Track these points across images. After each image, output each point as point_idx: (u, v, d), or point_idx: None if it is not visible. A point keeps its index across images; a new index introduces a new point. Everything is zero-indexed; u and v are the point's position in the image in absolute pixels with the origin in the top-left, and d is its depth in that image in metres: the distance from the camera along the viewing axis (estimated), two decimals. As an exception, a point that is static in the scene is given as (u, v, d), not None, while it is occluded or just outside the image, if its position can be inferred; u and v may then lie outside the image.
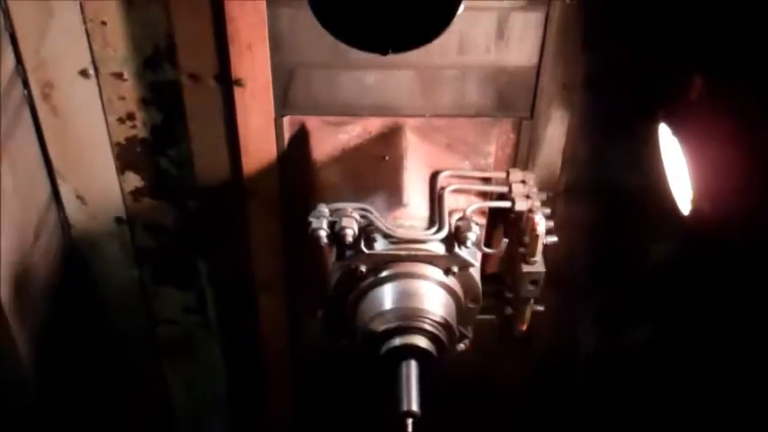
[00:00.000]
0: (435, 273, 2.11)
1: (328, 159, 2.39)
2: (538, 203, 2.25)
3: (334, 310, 2.21)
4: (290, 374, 3.12)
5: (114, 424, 3.22)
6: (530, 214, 2.21)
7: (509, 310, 2.48)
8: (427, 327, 2.04)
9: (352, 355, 2.21)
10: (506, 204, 2.26)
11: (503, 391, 3.25)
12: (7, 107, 2.30)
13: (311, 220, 2.07)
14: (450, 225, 2.10)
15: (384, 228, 2.07)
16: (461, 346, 2.30)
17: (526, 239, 2.23)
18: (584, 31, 2.32)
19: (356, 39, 1.76)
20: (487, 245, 2.31)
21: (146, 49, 2.38)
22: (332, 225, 2.06)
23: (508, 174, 2.35)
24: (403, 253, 2.09)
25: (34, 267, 2.49)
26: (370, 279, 2.10)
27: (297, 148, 2.47)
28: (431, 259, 2.10)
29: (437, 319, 2.06)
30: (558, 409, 3.33)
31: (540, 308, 2.41)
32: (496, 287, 2.49)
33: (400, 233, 2.08)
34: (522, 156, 2.54)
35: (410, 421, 1.94)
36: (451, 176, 2.30)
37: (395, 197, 2.18)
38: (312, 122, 2.46)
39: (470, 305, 2.20)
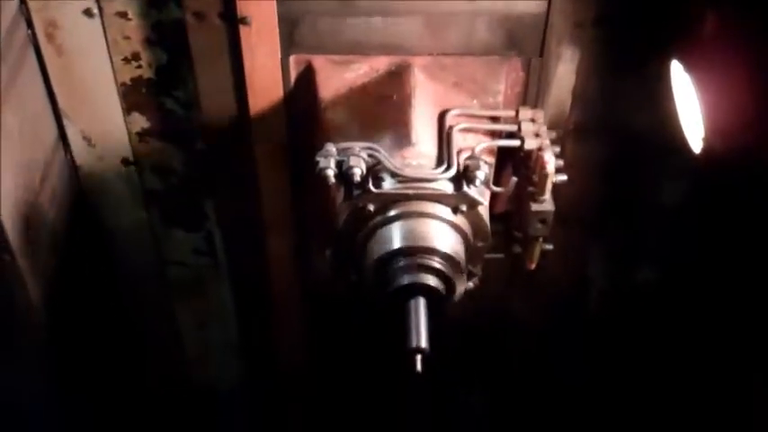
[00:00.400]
0: (444, 211, 2.09)
1: (335, 98, 2.36)
2: (547, 142, 2.22)
3: (343, 249, 2.20)
4: (300, 315, 3.14)
5: (126, 367, 3.26)
6: (539, 152, 2.19)
7: (517, 249, 2.48)
8: (436, 265, 2.03)
9: (361, 293, 2.20)
10: (515, 143, 2.24)
11: (514, 328, 3.28)
12: (11, 47, 2.28)
13: (318, 159, 2.06)
14: (458, 164, 2.09)
15: (392, 167, 2.05)
16: (470, 284, 2.29)
17: (535, 178, 2.21)
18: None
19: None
20: (496, 184, 2.29)
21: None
22: (339, 164, 2.04)
23: (517, 112, 2.32)
24: (411, 192, 2.07)
25: (42, 208, 2.49)
26: (378, 218, 2.09)
27: (303, 88, 2.45)
28: (439, 198, 2.09)
29: (446, 257, 2.05)
30: (568, 349, 3.35)
31: (549, 246, 2.39)
32: (505, 226, 2.49)
33: (408, 172, 2.07)
34: (531, 95, 2.51)
35: (419, 357, 1.94)
36: (460, 115, 2.27)
37: (403, 136, 2.17)
38: (318, 61, 2.43)
39: (479, 244, 2.19)
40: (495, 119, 2.34)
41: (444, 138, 2.20)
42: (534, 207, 2.25)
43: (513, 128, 2.29)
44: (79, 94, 2.55)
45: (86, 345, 2.85)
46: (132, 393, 3.37)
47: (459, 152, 2.14)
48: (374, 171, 2.06)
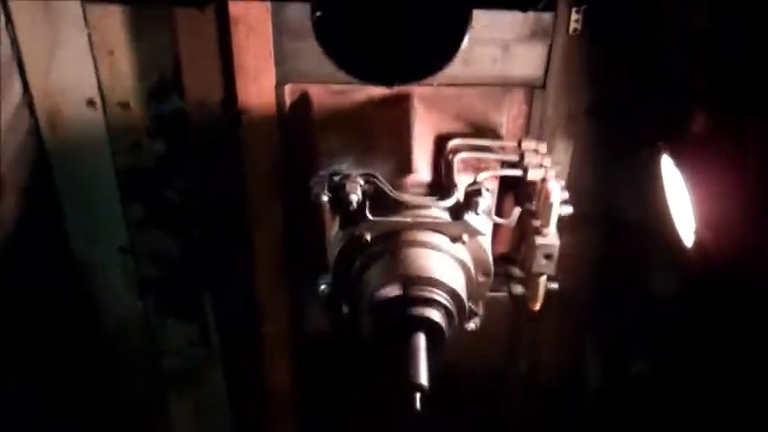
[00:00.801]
0: (444, 242, 1.99)
1: (331, 125, 2.30)
2: (552, 172, 2.14)
3: (338, 281, 2.09)
4: (295, 406, 3.11)
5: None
6: (543, 183, 2.11)
7: (518, 289, 2.34)
8: (436, 297, 1.89)
9: (355, 329, 2.07)
10: (518, 173, 2.16)
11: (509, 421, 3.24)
12: (15, 134, 2.32)
13: (313, 185, 1.99)
14: (459, 192, 2.00)
15: (390, 193, 1.97)
16: (472, 325, 2.17)
17: (539, 210, 2.13)
18: (588, 63, 2.33)
19: (362, 70, 1.76)
20: (498, 216, 2.18)
21: (152, 79, 2.40)
22: (335, 191, 1.96)
23: (520, 143, 2.24)
24: (410, 220, 1.97)
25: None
26: (376, 247, 1.98)
27: (298, 117, 2.39)
28: (439, 227, 1.98)
29: (446, 290, 1.91)
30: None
31: (555, 286, 2.26)
32: (507, 267, 2.38)
33: (407, 199, 1.99)
34: (534, 127, 2.46)
35: (418, 396, 1.79)
36: (461, 145, 2.20)
37: (402, 164, 2.09)
38: (315, 90, 2.37)
39: (481, 278, 2.08)
40: (497, 149, 2.26)
41: (445, 167, 2.12)
42: (539, 241, 2.13)
43: (516, 159, 2.22)
44: (79, 183, 2.57)
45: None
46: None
47: (460, 181, 2.06)
48: (371, 197, 1.97)
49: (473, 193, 1.97)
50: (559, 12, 2.11)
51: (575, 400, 3.20)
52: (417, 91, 2.32)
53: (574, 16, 2.10)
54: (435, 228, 1.99)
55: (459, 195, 2.00)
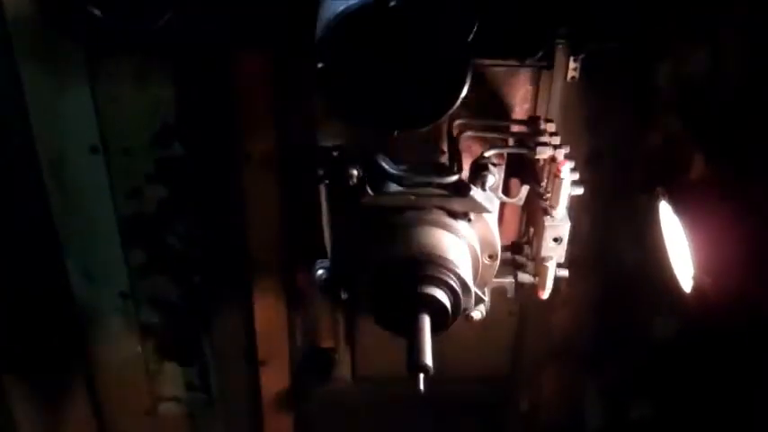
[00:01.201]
0: (450, 220, 1.92)
1: None
2: (561, 151, 2.04)
3: (336, 263, 2.02)
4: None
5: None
6: (552, 160, 2.02)
7: (527, 278, 2.20)
8: (443, 277, 1.80)
9: (355, 310, 2.04)
10: (527, 151, 2.06)
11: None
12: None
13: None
14: (465, 169, 1.94)
15: (392, 170, 1.91)
16: (477, 314, 2.04)
17: (549, 189, 2.04)
18: (586, 110, 2.36)
19: (363, 118, 1.78)
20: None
21: (154, 126, 2.42)
22: (335, 167, 1.90)
23: (528, 121, 2.16)
24: (413, 197, 1.90)
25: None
26: (379, 224, 1.91)
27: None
28: (444, 204, 1.91)
29: (453, 270, 1.82)
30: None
31: (564, 273, 2.14)
32: (514, 257, 2.26)
33: (410, 175, 1.91)
34: (541, 110, 2.33)
35: (422, 376, 1.71)
36: (468, 123, 2.09)
37: (406, 141, 1.96)
38: None
39: (487, 261, 2.01)
40: (504, 128, 2.17)
41: (450, 145, 2.05)
42: (548, 222, 2.03)
43: (525, 138, 2.12)
44: (80, 229, 2.58)
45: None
46: None
47: (466, 160, 1.98)
48: (373, 174, 1.90)
49: (480, 168, 1.91)
50: (557, 61, 2.13)
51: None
52: None
53: (572, 65, 2.12)
54: (440, 204, 1.91)
55: (466, 172, 1.93)
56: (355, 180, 1.87)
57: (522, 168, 2.14)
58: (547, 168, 2.05)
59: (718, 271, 2.10)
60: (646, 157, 2.43)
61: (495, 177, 1.91)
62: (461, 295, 1.83)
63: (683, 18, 2.14)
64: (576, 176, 2.02)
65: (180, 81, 2.34)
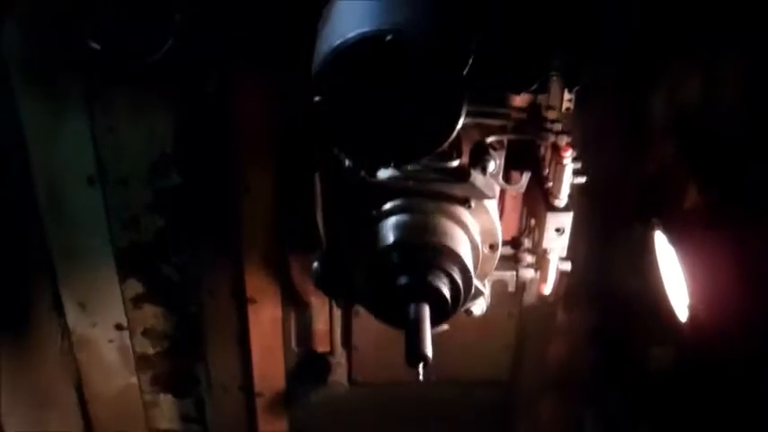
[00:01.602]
0: (450, 207, 1.85)
1: None
2: (564, 138, 1.98)
3: (332, 251, 1.97)
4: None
5: None
6: (555, 145, 1.98)
7: (528, 273, 2.15)
8: (443, 265, 1.75)
9: (353, 301, 1.96)
10: (528, 137, 2.02)
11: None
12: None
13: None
14: (465, 155, 1.88)
15: None
16: (477, 309, 2.00)
17: (551, 177, 2.00)
18: (581, 137, 2.37)
19: (359, 150, 1.78)
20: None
21: (152, 156, 2.43)
22: (330, 151, 1.84)
23: (529, 108, 2.09)
24: (411, 183, 1.84)
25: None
26: (375, 212, 1.84)
27: None
28: (444, 188, 1.85)
29: (453, 258, 1.76)
30: None
31: (567, 266, 2.10)
32: (515, 252, 2.20)
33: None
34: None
35: (421, 366, 1.66)
36: (468, 108, 1.92)
37: None
38: None
39: (487, 251, 1.93)
40: (505, 115, 2.05)
41: None
42: (550, 212, 1.99)
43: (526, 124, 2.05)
44: (76, 260, 2.58)
45: None
46: None
47: (465, 145, 1.91)
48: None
49: (481, 152, 1.85)
50: (552, 93, 2.14)
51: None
52: None
53: (567, 96, 2.13)
54: (439, 190, 1.85)
55: (465, 157, 1.87)
56: (351, 164, 1.83)
57: (523, 158, 2.07)
58: (549, 155, 2.01)
59: (713, 299, 2.10)
60: (640, 186, 2.44)
61: (495, 162, 1.85)
62: (461, 285, 1.77)
63: (679, 44, 2.16)
64: (579, 165, 1.99)
65: (177, 110, 2.35)
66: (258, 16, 2.13)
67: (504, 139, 2.01)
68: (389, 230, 1.81)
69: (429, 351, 1.65)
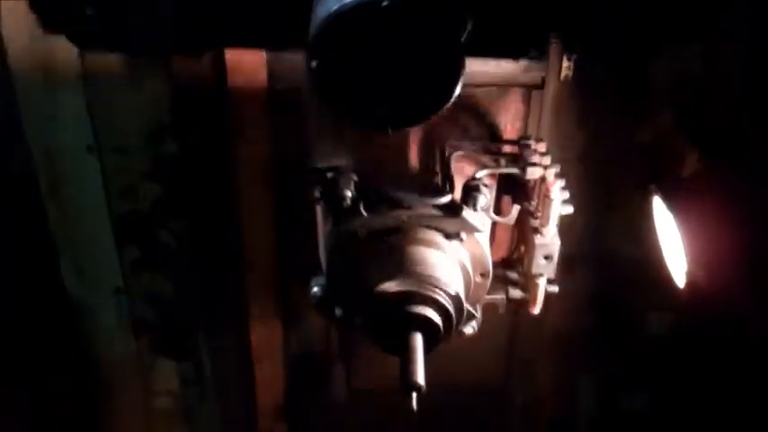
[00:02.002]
0: (442, 240, 1.95)
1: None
2: (552, 171, 2.08)
3: (331, 282, 2.05)
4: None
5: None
6: (543, 180, 2.07)
7: (518, 294, 2.26)
8: (435, 296, 1.83)
9: (349, 328, 2.04)
10: (517, 171, 2.10)
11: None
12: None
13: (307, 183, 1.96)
14: (457, 189, 1.97)
15: (385, 189, 1.94)
16: (469, 329, 2.10)
17: (539, 208, 2.10)
18: (579, 109, 2.36)
19: (356, 116, 1.79)
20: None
21: (149, 124, 2.42)
22: (328, 188, 1.92)
23: (519, 141, 2.20)
24: (405, 217, 1.93)
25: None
26: (372, 245, 1.93)
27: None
28: (437, 223, 1.94)
29: (445, 289, 1.85)
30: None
31: (555, 289, 2.20)
32: (505, 272, 2.32)
33: (403, 195, 1.94)
34: (532, 129, 2.36)
35: (414, 395, 1.74)
36: (458, 144, 2.16)
37: (398, 161, 2.06)
38: None
39: (478, 279, 2.03)
40: (495, 149, 2.22)
41: (442, 165, 2.08)
42: (539, 241, 2.09)
43: (515, 158, 2.18)
44: (74, 226, 2.58)
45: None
46: None
47: (457, 179, 2.02)
48: (366, 195, 1.93)
49: (472, 189, 1.94)
50: (551, 60, 2.13)
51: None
52: None
53: (565, 64, 2.12)
54: (432, 225, 1.94)
55: (456, 192, 1.97)
56: (349, 202, 1.91)
57: (514, 187, 2.18)
58: (537, 188, 2.09)
59: (711, 265, 2.11)
60: (639, 154, 2.44)
61: (486, 198, 1.94)
62: (453, 314, 1.85)
63: (680, 14, 2.15)
64: (567, 195, 2.06)
65: (175, 78, 2.33)
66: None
67: (496, 172, 2.11)
68: (385, 265, 1.89)
69: (422, 380, 1.73)
